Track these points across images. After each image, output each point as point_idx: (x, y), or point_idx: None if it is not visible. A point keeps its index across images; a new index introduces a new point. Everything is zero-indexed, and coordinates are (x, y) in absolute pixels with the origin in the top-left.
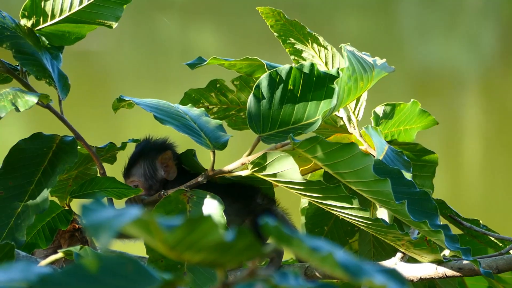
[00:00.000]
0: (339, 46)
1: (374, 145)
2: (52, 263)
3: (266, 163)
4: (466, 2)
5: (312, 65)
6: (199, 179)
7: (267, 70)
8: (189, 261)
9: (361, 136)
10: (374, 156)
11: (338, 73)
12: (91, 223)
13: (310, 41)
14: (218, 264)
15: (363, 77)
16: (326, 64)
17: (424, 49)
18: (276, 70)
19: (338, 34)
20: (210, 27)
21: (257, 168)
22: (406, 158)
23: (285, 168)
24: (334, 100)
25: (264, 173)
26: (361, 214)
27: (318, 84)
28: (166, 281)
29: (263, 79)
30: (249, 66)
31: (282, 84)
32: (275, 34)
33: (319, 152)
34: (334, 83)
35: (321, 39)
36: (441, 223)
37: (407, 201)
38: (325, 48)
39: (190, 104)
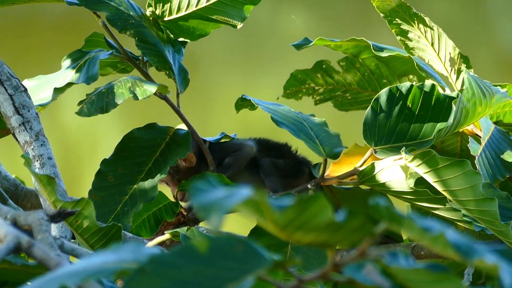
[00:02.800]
0: (459, 69)
1: (480, 126)
2: (160, 245)
3: (375, 173)
4: None
5: (433, 86)
6: (308, 185)
7: (373, 50)
8: (299, 242)
9: None
10: (480, 137)
11: (458, 96)
12: (202, 203)
13: (416, 21)
14: (328, 244)
15: (482, 102)
16: (432, 45)
17: None
18: (396, 86)
19: (427, 15)
20: (302, 8)
21: (366, 178)
22: None
23: (393, 178)
24: (450, 120)
25: (372, 183)
26: (467, 226)
27: (437, 106)
28: (276, 262)
29: (382, 93)
30: (355, 47)
31: (401, 101)
32: (381, 14)
33: (431, 167)
34: (452, 103)
35: (427, 19)
36: None
37: None
38: (431, 28)
39: (312, 113)
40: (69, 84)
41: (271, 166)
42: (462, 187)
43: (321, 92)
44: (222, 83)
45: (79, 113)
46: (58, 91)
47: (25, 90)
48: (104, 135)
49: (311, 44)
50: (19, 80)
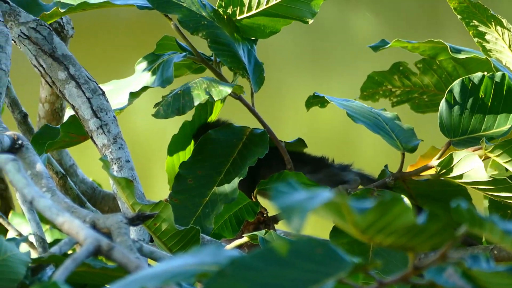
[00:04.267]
0: None
1: None
2: (238, 248)
3: (453, 164)
4: None
5: (503, 75)
6: (387, 179)
7: (450, 52)
8: (380, 245)
9: None
10: None
11: None
12: (283, 205)
13: (493, 23)
14: (408, 247)
15: None
16: (510, 46)
17: None
18: (469, 77)
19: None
20: (370, 9)
21: (444, 170)
22: None
23: (471, 167)
24: None
25: (451, 175)
26: None
27: (509, 96)
28: (357, 265)
29: (455, 85)
30: (432, 49)
31: (474, 92)
32: (459, 16)
33: None
34: None
35: (504, 21)
36: None
37: None
38: (509, 30)
39: (384, 108)
40: (144, 88)
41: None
42: None
43: (398, 94)
44: (291, 84)
45: (156, 115)
46: (133, 95)
47: (103, 93)
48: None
49: (388, 46)
50: (96, 83)
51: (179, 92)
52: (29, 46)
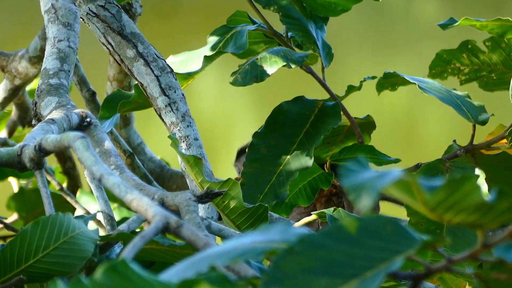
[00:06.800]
0: None
1: None
2: (307, 225)
3: None
4: None
5: None
6: (458, 152)
7: None
8: (449, 223)
9: None
10: None
11: None
12: (353, 184)
13: None
14: (478, 225)
15: None
16: None
17: None
18: None
19: None
20: None
21: None
22: None
23: None
24: None
25: None
26: None
27: None
28: (426, 242)
29: None
30: (500, 27)
31: None
32: None
33: None
34: None
35: None
36: None
37: None
38: None
39: (454, 88)
40: (219, 53)
41: None
42: None
43: (466, 72)
44: (357, 64)
45: (234, 83)
46: (208, 59)
47: (171, 71)
48: (239, 119)
49: (457, 24)
50: (165, 61)
51: (257, 59)
52: (97, 24)
